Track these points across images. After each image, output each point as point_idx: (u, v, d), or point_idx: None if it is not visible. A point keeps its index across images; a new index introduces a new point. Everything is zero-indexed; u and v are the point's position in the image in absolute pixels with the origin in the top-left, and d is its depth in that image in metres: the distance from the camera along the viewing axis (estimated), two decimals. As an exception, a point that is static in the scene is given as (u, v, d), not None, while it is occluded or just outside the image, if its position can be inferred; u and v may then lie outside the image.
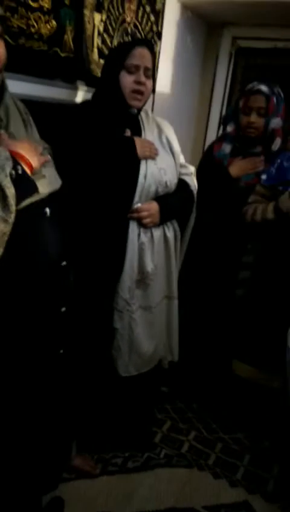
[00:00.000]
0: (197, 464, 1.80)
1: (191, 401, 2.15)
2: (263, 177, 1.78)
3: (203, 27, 2.86)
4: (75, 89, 1.77)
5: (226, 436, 1.97)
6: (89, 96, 1.63)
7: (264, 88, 1.75)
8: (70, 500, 1.53)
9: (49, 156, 1.23)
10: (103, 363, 1.57)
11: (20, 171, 1.06)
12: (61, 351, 1.28)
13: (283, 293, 1.75)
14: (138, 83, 1.42)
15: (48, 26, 1.52)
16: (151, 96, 1.54)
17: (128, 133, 1.50)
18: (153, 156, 1.49)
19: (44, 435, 1.31)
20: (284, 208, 1.64)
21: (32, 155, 1.12)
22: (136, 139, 1.47)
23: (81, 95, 1.79)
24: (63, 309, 1.23)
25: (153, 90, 1.53)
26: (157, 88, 2.44)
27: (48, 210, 1.17)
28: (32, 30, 1.46)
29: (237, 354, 1.94)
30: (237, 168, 1.85)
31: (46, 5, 1.49)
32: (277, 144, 1.83)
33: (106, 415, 1.70)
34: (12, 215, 1.05)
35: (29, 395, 1.21)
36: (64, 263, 1.20)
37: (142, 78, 1.42)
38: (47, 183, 1.17)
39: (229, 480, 1.74)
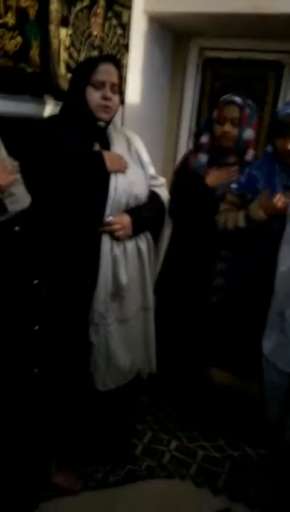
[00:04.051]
0: (179, 474, 1.80)
1: (172, 410, 2.15)
2: (233, 185, 1.81)
3: (171, 38, 2.90)
4: (44, 103, 1.76)
5: (207, 444, 1.98)
6: (58, 110, 1.62)
7: (237, 99, 1.83)
8: (51, 519, 1.51)
9: (18, 174, 1.22)
10: (80, 378, 1.56)
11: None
12: (36, 370, 1.27)
13: (256, 300, 1.78)
14: (105, 98, 1.44)
15: (14, 42, 1.51)
16: (121, 108, 1.55)
17: (97, 147, 1.50)
18: (122, 169, 1.50)
19: (20, 455, 1.29)
20: (254, 216, 1.68)
21: (0, 174, 1.11)
22: (105, 154, 1.48)
23: (50, 109, 1.79)
24: (36, 327, 1.22)
25: (122, 102, 1.54)
26: (127, 100, 2.47)
27: (17, 228, 1.17)
28: (-3, 47, 1.45)
29: (214, 361, 1.95)
30: (213, 178, 1.89)
31: (11, 21, 1.48)
32: (249, 154, 1.90)
33: (85, 430, 1.68)
34: (-19, 236, 1.04)
35: (3, 414, 1.19)
36: (36, 281, 1.20)
37: (109, 94, 1.44)
38: (16, 202, 1.17)
39: (212, 489, 1.75)
